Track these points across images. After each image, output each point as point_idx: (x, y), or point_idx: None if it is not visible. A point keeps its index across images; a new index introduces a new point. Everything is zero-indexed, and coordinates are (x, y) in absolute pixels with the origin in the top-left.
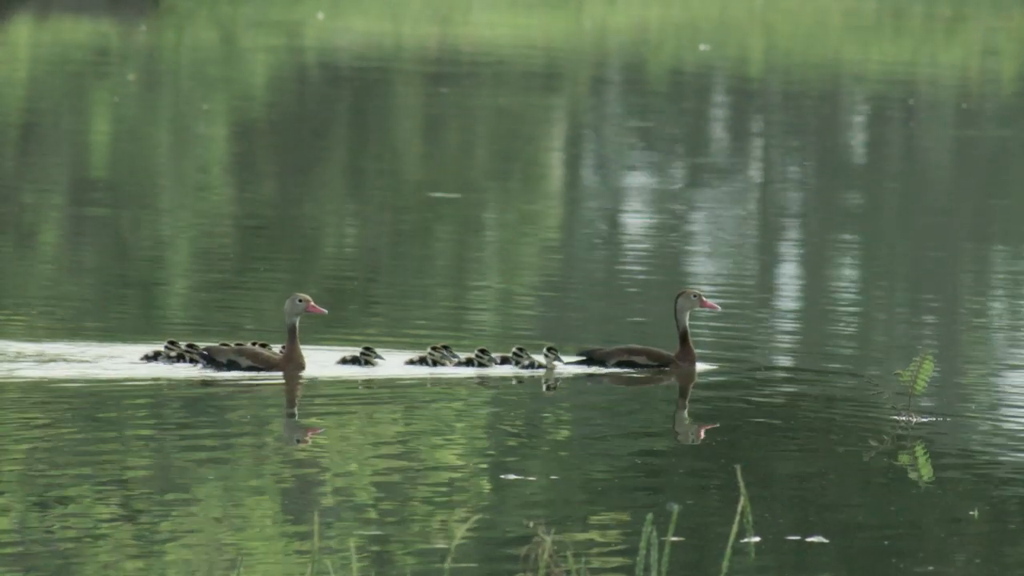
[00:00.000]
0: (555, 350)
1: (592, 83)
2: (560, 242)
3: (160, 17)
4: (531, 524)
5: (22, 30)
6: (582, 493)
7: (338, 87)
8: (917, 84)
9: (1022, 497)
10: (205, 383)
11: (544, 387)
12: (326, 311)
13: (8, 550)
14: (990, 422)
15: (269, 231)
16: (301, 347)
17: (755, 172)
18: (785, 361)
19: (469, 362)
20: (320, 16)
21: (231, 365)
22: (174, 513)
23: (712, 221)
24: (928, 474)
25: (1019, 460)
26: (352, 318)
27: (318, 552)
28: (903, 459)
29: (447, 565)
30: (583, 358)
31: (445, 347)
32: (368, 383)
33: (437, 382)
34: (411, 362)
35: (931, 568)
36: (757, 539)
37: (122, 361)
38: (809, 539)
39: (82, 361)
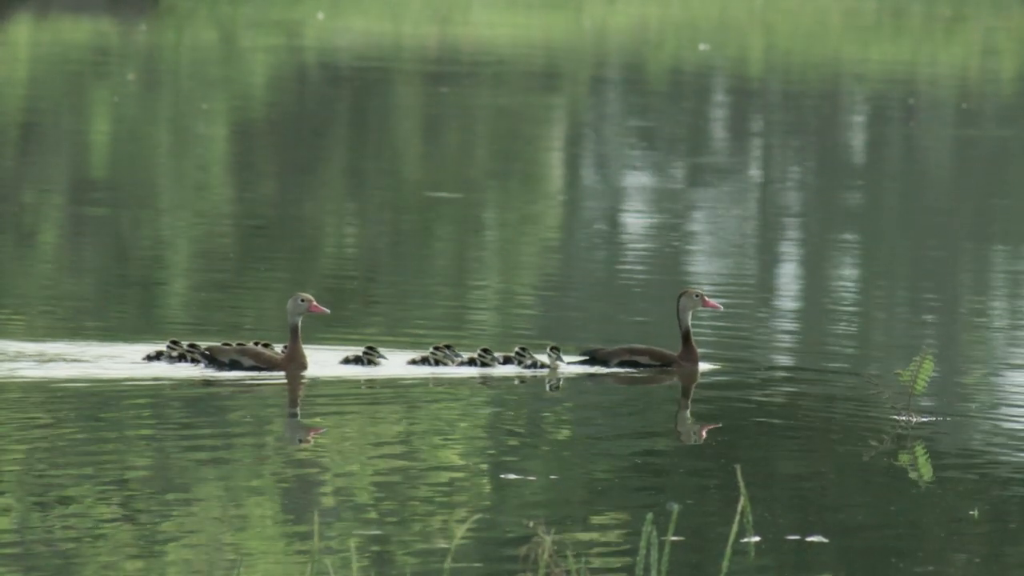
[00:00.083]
0: (558, 350)
1: (592, 83)
2: (560, 242)
3: (160, 17)
4: (531, 524)
5: (22, 30)
6: (582, 493)
7: (338, 87)
8: (917, 84)
9: (1022, 497)
10: (207, 383)
11: (547, 387)
12: (328, 311)
13: (8, 550)
14: (990, 422)
15: (269, 231)
16: (303, 347)
17: (755, 172)
18: (785, 361)
19: (472, 362)
20: (320, 16)
21: (233, 365)
22: (175, 513)
23: (712, 221)
24: (928, 474)
25: (1019, 460)
26: (352, 318)
27: (318, 552)
28: (903, 459)
29: (447, 565)
30: (585, 358)
31: (448, 347)
32: (370, 383)
33: (439, 382)
34: (413, 362)
35: (931, 568)
36: (757, 539)
37: (123, 361)
38: (809, 539)
39: (83, 361)
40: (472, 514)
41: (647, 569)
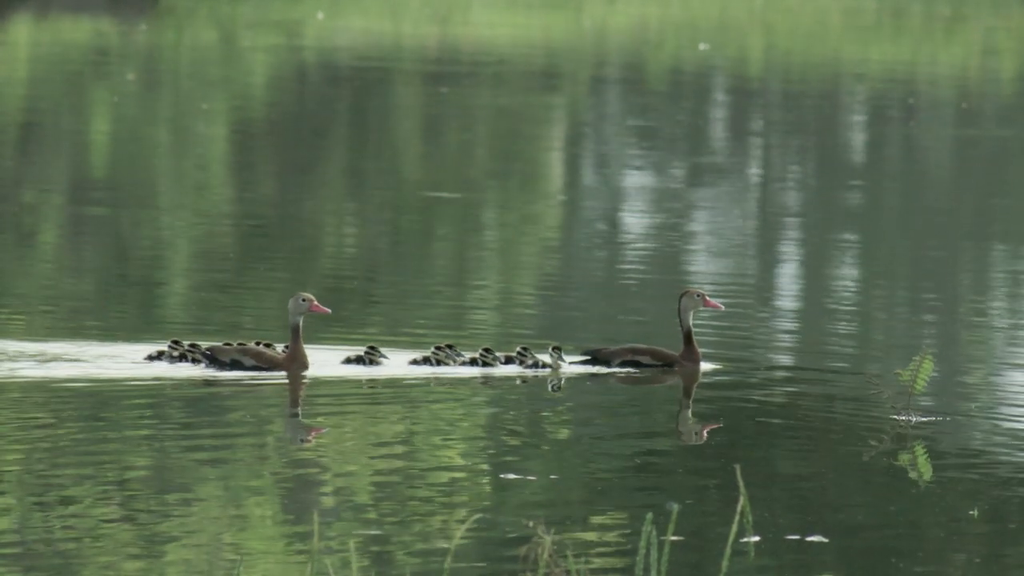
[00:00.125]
0: (560, 349)
1: (592, 83)
2: (560, 242)
3: (160, 17)
4: (531, 524)
5: (22, 30)
6: (582, 493)
7: (338, 87)
8: (917, 84)
9: (1022, 497)
10: (208, 383)
11: (549, 387)
12: (330, 310)
13: (8, 550)
14: (990, 422)
15: (269, 231)
16: (304, 346)
17: (755, 171)
18: (785, 361)
19: (473, 362)
20: (320, 16)
21: (235, 365)
22: (175, 513)
23: (712, 221)
24: (928, 474)
25: (1019, 460)
26: (353, 318)
27: (318, 552)
28: (903, 459)
29: (447, 565)
30: (587, 358)
31: (449, 346)
32: (371, 383)
33: (440, 382)
34: (415, 362)
35: (931, 568)
36: (757, 539)
37: (123, 361)
38: (809, 539)
39: (83, 361)
40: (472, 514)
41: (647, 569)
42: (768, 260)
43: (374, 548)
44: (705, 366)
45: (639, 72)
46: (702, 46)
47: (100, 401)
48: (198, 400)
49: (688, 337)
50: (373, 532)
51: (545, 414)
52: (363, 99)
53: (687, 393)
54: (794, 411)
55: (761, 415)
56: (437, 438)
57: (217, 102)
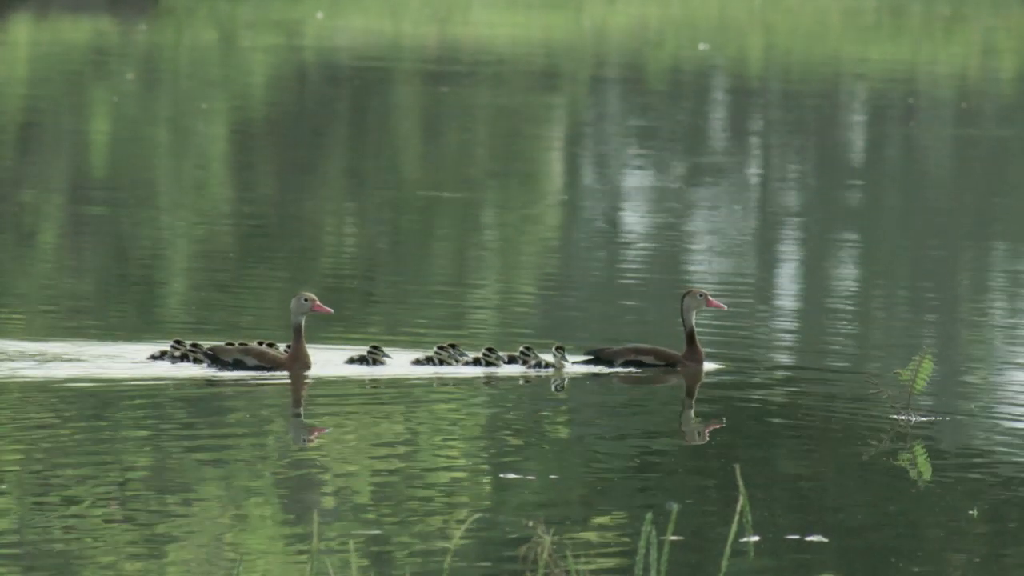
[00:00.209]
0: (563, 349)
1: (592, 82)
2: (560, 241)
3: (160, 17)
4: (531, 524)
5: (22, 30)
6: (582, 493)
7: (338, 86)
8: (917, 84)
9: (1022, 497)
10: (210, 383)
11: (552, 387)
12: (332, 310)
13: (8, 550)
14: (990, 422)
15: (269, 231)
16: (306, 346)
17: (755, 171)
18: (785, 360)
19: (476, 361)
20: (320, 15)
21: (237, 364)
22: (176, 513)
23: (712, 220)
24: (928, 474)
25: (1019, 460)
26: (353, 317)
27: (318, 552)
28: (903, 459)
29: (447, 565)
30: (590, 357)
31: (452, 346)
32: (374, 382)
33: (443, 382)
34: (417, 361)
35: (931, 568)
36: (756, 539)
37: (124, 360)
38: (808, 539)
39: (83, 360)
40: (472, 514)
41: (646, 569)
42: (768, 260)
43: (374, 548)
44: (708, 366)
45: (639, 72)
46: (702, 46)
47: (101, 401)
48: (200, 400)
49: (691, 337)
50: (373, 532)
51: (547, 414)
52: (363, 99)
53: (689, 393)
54: (794, 411)
55: (761, 415)
56: (438, 438)
57: (217, 102)
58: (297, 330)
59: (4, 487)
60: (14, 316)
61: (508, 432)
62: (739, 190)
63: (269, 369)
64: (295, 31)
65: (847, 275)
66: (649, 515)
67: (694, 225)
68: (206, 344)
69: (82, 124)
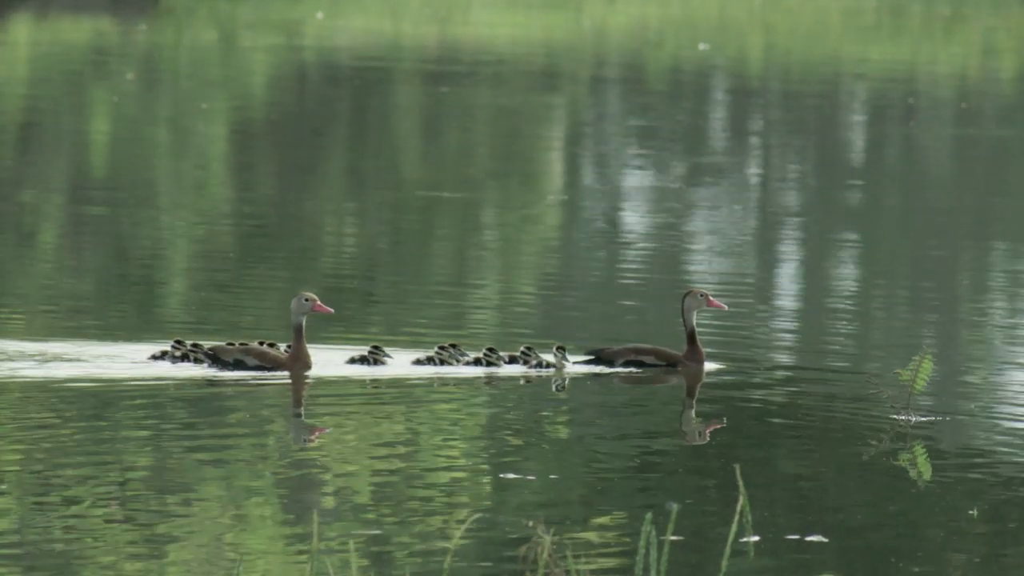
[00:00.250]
0: (563, 349)
1: (592, 82)
2: (560, 241)
3: (160, 17)
4: (531, 524)
5: (22, 30)
6: (582, 493)
7: (338, 86)
8: (917, 84)
9: (1022, 497)
10: (211, 383)
11: (553, 387)
12: (332, 310)
13: (8, 551)
14: (990, 422)
15: (269, 231)
16: (307, 346)
17: (755, 171)
18: (785, 360)
19: (477, 361)
20: (320, 15)
21: (238, 364)
22: (176, 513)
23: (712, 220)
24: (928, 474)
25: (1019, 460)
26: (353, 317)
27: (318, 552)
28: (903, 459)
29: (447, 565)
30: (591, 357)
31: (453, 346)
32: (375, 382)
33: (444, 382)
34: (418, 361)
35: (931, 568)
36: (756, 539)
37: (124, 361)
38: (809, 539)
39: (83, 361)
40: (472, 514)
41: (646, 569)
42: (768, 260)
43: (374, 548)
44: (709, 366)
45: (639, 72)
46: (702, 46)
47: (102, 401)
48: (201, 400)
49: (692, 337)
50: (373, 532)
51: (547, 414)
52: (363, 99)
53: (690, 393)
54: (794, 411)
55: (761, 415)
56: (439, 438)
57: (217, 102)
58: (298, 330)
59: (5, 487)
60: (14, 316)
61: (508, 432)
62: (739, 190)
63: (270, 369)
64: (295, 31)
65: (847, 275)
66: (649, 515)
67: (694, 225)
68: (207, 344)
69: (82, 124)
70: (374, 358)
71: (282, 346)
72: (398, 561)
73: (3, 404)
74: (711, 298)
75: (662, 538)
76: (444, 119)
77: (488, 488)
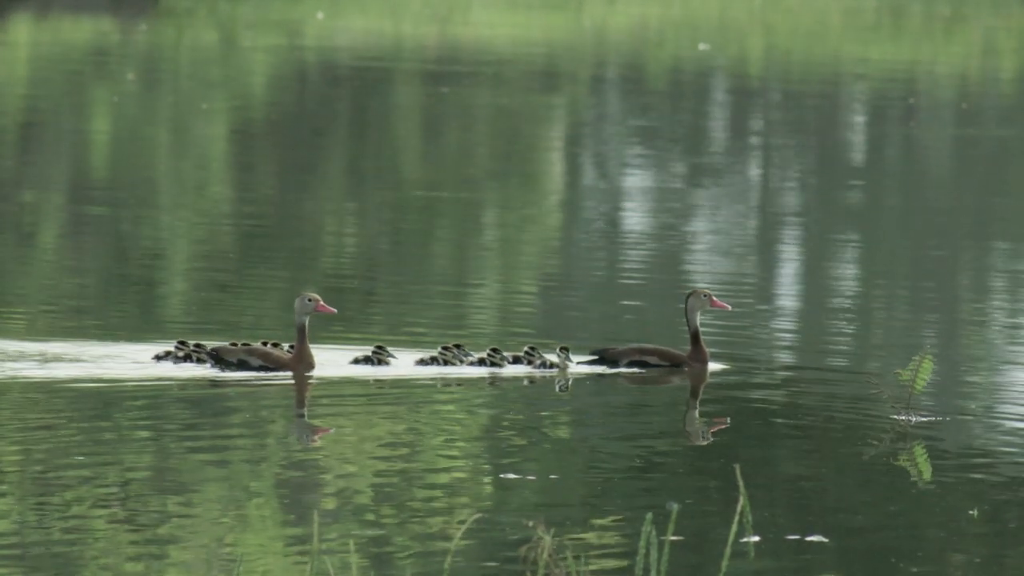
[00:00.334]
0: (567, 350)
1: (592, 82)
2: (560, 241)
3: (160, 17)
4: (531, 524)
5: (22, 30)
6: (583, 493)
7: (338, 87)
8: (917, 84)
9: (1022, 497)
10: (214, 383)
11: (556, 387)
12: (336, 310)
13: (9, 551)
14: (990, 422)
15: (269, 231)
16: (311, 346)
17: (755, 172)
18: (786, 360)
19: (481, 362)
20: (320, 15)
21: (241, 365)
22: (177, 514)
23: (712, 220)
24: (928, 474)
25: (1019, 460)
26: (354, 318)
27: (318, 552)
28: (903, 459)
29: (447, 565)
30: (595, 357)
31: (457, 346)
32: (379, 383)
33: (448, 382)
34: (422, 361)
35: (931, 568)
36: (757, 539)
37: (126, 361)
38: (809, 539)
39: (84, 361)
40: (472, 514)
41: (647, 569)
42: (769, 260)
43: (374, 549)
44: (713, 366)
45: (639, 72)
46: (702, 46)
47: (104, 402)
48: (204, 400)
49: (695, 337)
50: (374, 532)
51: (550, 414)
52: (363, 99)
53: (694, 393)
54: (795, 411)
55: (762, 415)
56: (441, 438)
57: (217, 102)
58: (301, 330)
59: (6, 487)
60: (15, 316)
61: (510, 432)
62: (740, 190)
63: (273, 369)
64: (295, 31)
65: (847, 275)
66: (649, 515)
67: (695, 225)
68: (209, 344)
69: (82, 124)
70: (378, 358)
71: (285, 346)
72: (398, 561)
73: (4, 405)
74: (714, 298)
75: (662, 538)
76: (444, 119)
77: (489, 488)
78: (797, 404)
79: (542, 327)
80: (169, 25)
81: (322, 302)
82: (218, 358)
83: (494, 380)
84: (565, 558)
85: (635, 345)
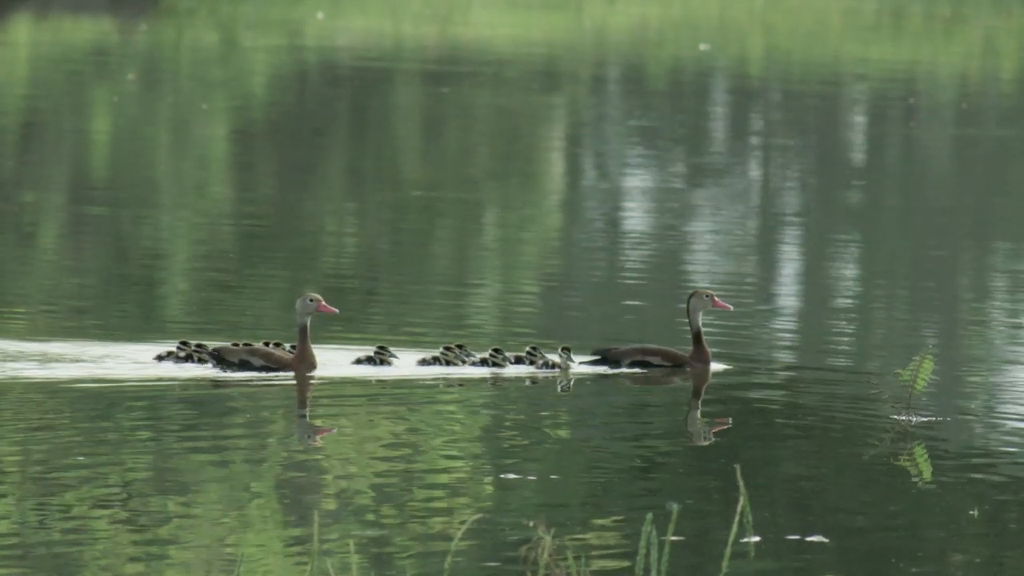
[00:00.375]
0: (569, 350)
1: (592, 83)
2: (561, 241)
3: (160, 17)
4: (531, 524)
5: (22, 30)
6: (583, 493)
7: (338, 87)
8: (917, 84)
9: (1022, 497)
10: (216, 383)
11: (558, 388)
12: (337, 310)
13: (9, 551)
14: (991, 422)
15: (269, 231)
16: (312, 346)
17: (755, 172)
18: (786, 360)
19: (484, 362)
20: (320, 16)
21: (243, 365)
22: (178, 514)
23: (712, 221)
24: (928, 474)
25: (1019, 460)
26: (354, 318)
27: (318, 553)
28: (903, 459)
29: (447, 565)
30: (597, 357)
31: (460, 346)
32: (380, 383)
33: (450, 382)
34: (424, 362)
35: (931, 568)
36: (757, 539)
37: (128, 361)
38: (809, 539)
39: (86, 361)
40: (473, 515)
41: (647, 569)
42: (769, 260)
43: (375, 549)
44: (715, 366)
45: (639, 72)
46: (702, 46)
47: (105, 402)
48: (206, 401)
49: (697, 337)
50: (374, 533)
51: (551, 415)
52: (363, 99)
53: (696, 394)
54: (795, 411)
55: (763, 415)
56: (442, 439)
57: (217, 102)
58: (303, 330)
59: (7, 488)
60: (15, 316)
61: (512, 433)
62: (740, 190)
63: (275, 370)
64: (296, 31)
65: (848, 275)
66: (650, 515)
67: (695, 225)
68: (211, 345)
69: (82, 124)
70: (380, 358)
71: (286, 346)
72: (399, 562)
73: (5, 405)
74: (716, 299)
75: (663, 538)
76: (444, 119)
77: (489, 489)
78: (798, 404)
79: (542, 327)
80: (169, 25)
81: (324, 302)
82: (220, 358)
83: (496, 380)
84: (565, 558)
85: (637, 345)
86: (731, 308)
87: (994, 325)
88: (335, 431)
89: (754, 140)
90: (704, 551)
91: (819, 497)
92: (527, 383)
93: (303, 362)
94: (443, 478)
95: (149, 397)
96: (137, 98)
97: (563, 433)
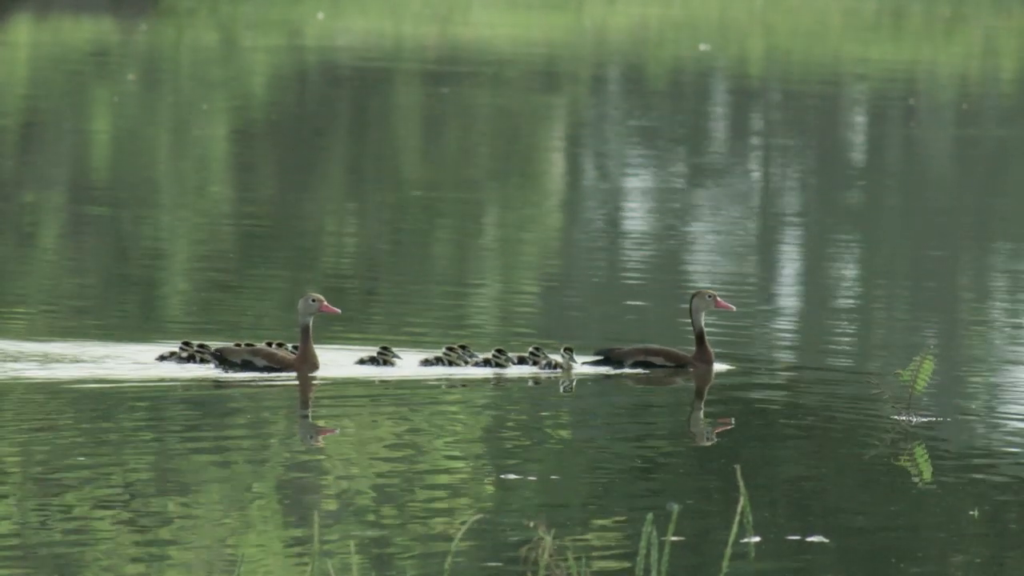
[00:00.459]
0: (571, 350)
1: (592, 83)
2: (561, 242)
3: (160, 17)
4: (532, 524)
5: (22, 30)
6: (583, 494)
7: (338, 87)
8: (917, 84)
9: (1022, 497)
10: (218, 384)
11: (561, 388)
12: (340, 311)
13: (10, 552)
14: (990, 422)
15: (269, 231)
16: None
17: (755, 172)
18: (787, 360)
19: (486, 362)
20: (320, 16)
21: (246, 365)
22: (179, 515)
23: (713, 221)
24: (928, 474)
25: (1019, 460)
26: (355, 318)
27: (319, 553)
28: (903, 459)
29: (448, 565)
30: (600, 358)
31: (463, 347)
32: (382, 383)
33: (452, 382)
34: (426, 362)
35: (931, 568)
36: (757, 539)
37: (129, 361)
38: (809, 539)
39: (87, 361)
40: (474, 515)
41: (647, 570)
42: (769, 260)
43: (375, 550)
44: (718, 367)
45: (639, 72)
46: (702, 46)
47: (107, 402)
48: (208, 401)
49: (700, 338)
50: (375, 533)
51: (552, 415)
52: (363, 99)
53: (699, 394)
54: (796, 411)
55: (764, 415)
56: (443, 439)
57: (217, 102)
58: (305, 331)
59: (8, 488)
60: (15, 316)
61: (514, 433)
62: (740, 190)
63: (278, 370)
64: (296, 32)
65: (848, 275)
66: (650, 516)
67: (694, 225)
68: (213, 345)
69: (82, 124)
70: (383, 359)
71: (288, 346)
72: (399, 562)
73: (6, 405)
74: (719, 299)
75: (663, 539)
76: (444, 119)
77: (490, 489)
78: (798, 404)
79: (544, 327)
80: (169, 25)
81: (326, 302)
82: (222, 359)
83: (498, 381)
84: (566, 559)
85: (640, 345)
86: (734, 309)
87: (994, 325)
88: (337, 431)
89: (754, 140)
90: (704, 551)
91: (819, 497)
92: (530, 383)
93: (305, 362)
94: (444, 478)
95: (151, 397)
96: (137, 98)
97: (565, 433)
